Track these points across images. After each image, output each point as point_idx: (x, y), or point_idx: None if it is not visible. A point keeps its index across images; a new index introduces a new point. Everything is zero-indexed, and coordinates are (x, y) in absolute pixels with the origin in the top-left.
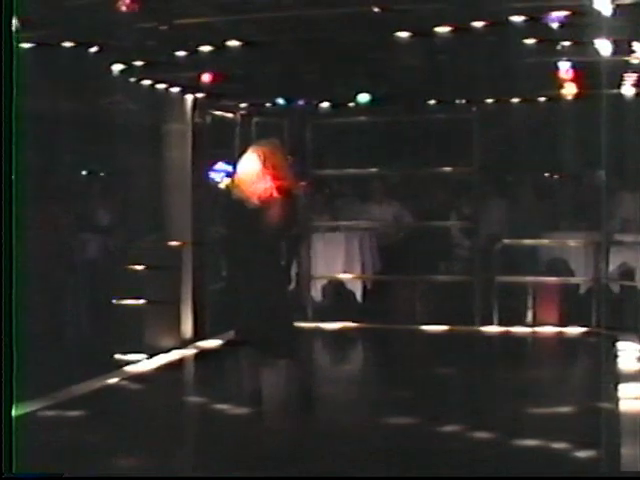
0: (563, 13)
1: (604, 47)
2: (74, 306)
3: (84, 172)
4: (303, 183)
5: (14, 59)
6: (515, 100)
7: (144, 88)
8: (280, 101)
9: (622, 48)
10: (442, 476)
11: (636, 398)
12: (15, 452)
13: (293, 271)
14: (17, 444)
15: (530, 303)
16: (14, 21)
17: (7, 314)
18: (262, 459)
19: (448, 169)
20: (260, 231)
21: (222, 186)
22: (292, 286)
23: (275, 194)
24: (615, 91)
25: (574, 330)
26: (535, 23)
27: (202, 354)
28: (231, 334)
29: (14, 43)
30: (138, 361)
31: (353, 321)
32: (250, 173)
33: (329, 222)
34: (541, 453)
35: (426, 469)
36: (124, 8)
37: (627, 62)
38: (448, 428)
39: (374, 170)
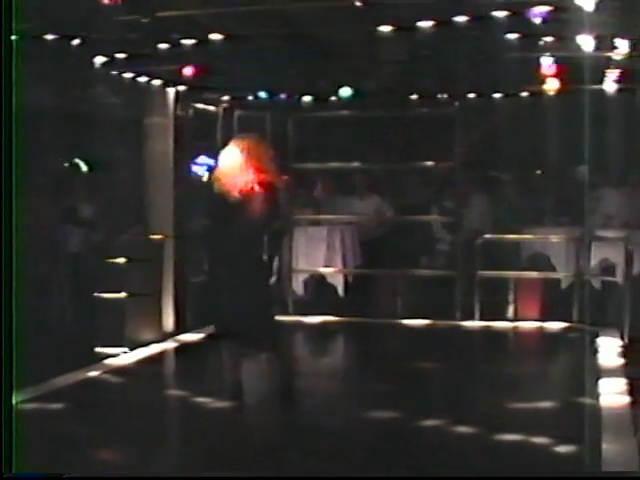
0: (546, 8)
1: (586, 43)
2: (56, 299)
3: (66, 164)
4: (285, 177)
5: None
6: (497, 95)
7: (126, 81)
8: (262, 94)
9: (604, 44)
10: (439, 476)
11: (617, 393)
12: (15, 452)
13: (275, 265)
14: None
15: (511, 298)
16: None
17: (7, 317)
18: (242, 452)
19: (430, 164)
20: (242, 225)
21: (204, 179)
22: (273, 280)
23: (257, 188)
24: (597, 87)
25: (555, 325)
26: (518, 18)
27: (183, 347)
28: (212, 328)
29: (13, 39)
30: (119, 354)
31: (334, 315)
32: (231, 166)
33: (311, 216)
34: (522, 448)
35: (407, 463)
36: (106, 0)
37: (609, 58)
38: (429, 422)
39: (356, 164)
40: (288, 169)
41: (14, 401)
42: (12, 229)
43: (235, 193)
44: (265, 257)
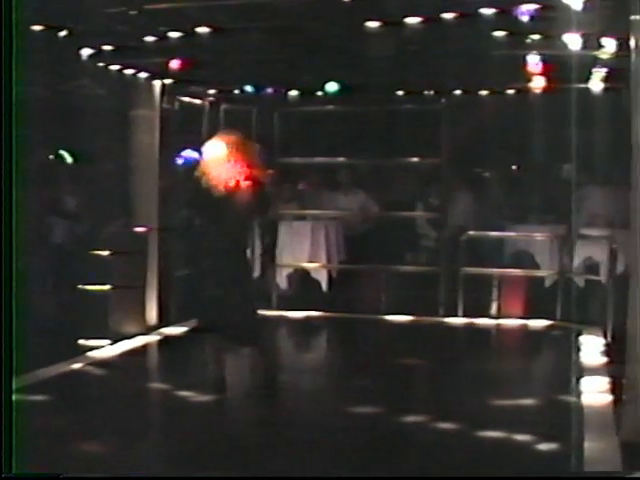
0: (533, 6)
1: (573, 41)
2: (39, 291)
3: (51, 156)
4: (270, 171)
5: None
6: (484, 92)
7: (112, 73)
8: (249, 89)
9: (591, 43)
10: (433, 476)
11: (599, 392)
12: (15, 452)
13: (258, 259)
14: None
15: (495, 295)
16: None
17: (7, 318)
18: (223, 446)
19: (416, 160)
20: (226, 218)
21: (189, 172)
22: (257, 274)
23: (242, 182)
24: (583, 86)
25: (538, 323)
26: (505, 16)
27: (166, 341)
28: (195, 321)
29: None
30: (102, 347)
31: (318, 310)
32: (217, 159)
33: (296, 211)
34: (504, 445)
35: (389, 459)
36: None
37: (596, 57)
38: (411, 418)
39: (342, 160)
40: (273, 163)
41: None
42: (12, 223)
43: (220, 187)
44: (249, 251)
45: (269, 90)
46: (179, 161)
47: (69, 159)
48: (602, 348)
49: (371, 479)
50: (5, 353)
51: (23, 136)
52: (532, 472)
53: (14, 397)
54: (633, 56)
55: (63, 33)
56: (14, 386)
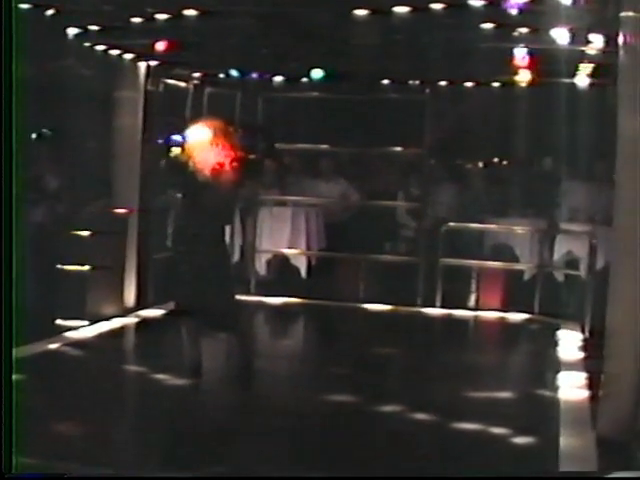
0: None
1: (561, 36)
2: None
3: (33, 135)
4: (253, 156)
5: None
6: (469, 84)
7: (98, 53)
8: (234, 73)
9: (579, 38)
10: (433, 476)
11: (576, 387)
12: (15, 452)
13: (238, 244)
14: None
15: (473, 287)
16: None
17: (7, 314)
18: (199, 429)
19: (398, 149)
20: (207, 203)
21: (172, 155)
22: (237, 259)
23: (225, 166)
24: (569, 80)
25: (516, 316)
26: (494, 8)
27: (143, 323)
28: (173, 304)
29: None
30: (79, 327)
31: (296, 296)
32: (201, 142)
33: (277, 196)
34: (479, 437)
35: (363, 447)
36: None
37: (583, 52)
38: (387, 408)
39: (324, 147)
40: (257, 148)
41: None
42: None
43: (205, 170)
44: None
45: (254, 75)
46: (162, 143)
47: (51, 138)
48: (580, 343)
49: (370, 479)
50: (5, 353)
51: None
52: (506, 465)
53: None
54: (622, 52)
55: (50, 12)
56: None
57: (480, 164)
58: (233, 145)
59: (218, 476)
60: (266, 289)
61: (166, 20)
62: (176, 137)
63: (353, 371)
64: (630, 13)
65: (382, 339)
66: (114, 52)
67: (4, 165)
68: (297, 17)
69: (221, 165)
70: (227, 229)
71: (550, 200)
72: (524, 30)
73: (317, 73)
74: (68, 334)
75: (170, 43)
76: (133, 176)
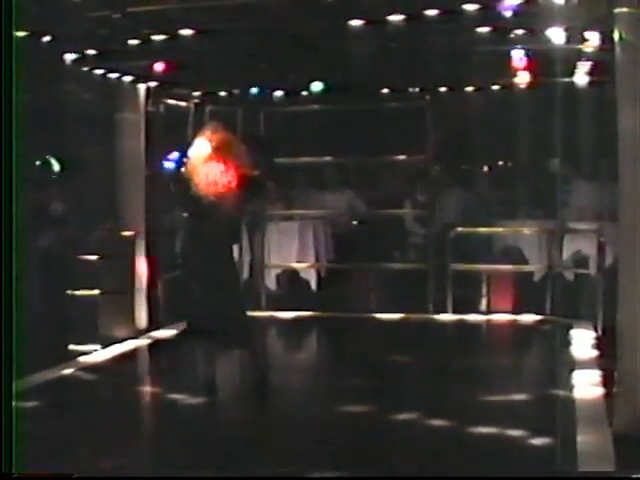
0: (516, 1)
1: (557, 35)
2: (27, 297)
3: (38, 162)
4: (256, 172)
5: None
6: (469, 89)
7: (96, 77)
8: (234, 90)
9: (575, 36)
10: (432, 476)
11: (591, 385)
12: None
13: (247, 260)
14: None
15: (484, 291)
16: None
17: (7, 318)
18: (216, 449)
19: (402, 157)
20: (213, 220)
21: (176, 174)
22: (246, 275)
23: (229, 182)
24: (568, 80)
25: (528, 318)
26: (488, 11)
27: (156, 344)
28: (184, 324)
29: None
30: (92, 351)
31: (307, 310)
32: (202, 160)
33: (283, 211)
34: (497, 441)
35: (382, 457)
36: None
37: (580, 50)
38: (403, 416)
39: (328, 159)
40: (259, 164)
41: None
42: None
43: (207, 188)
44: (236, 252)
45: (254, 91)
46: (166, 163)
47: (56, 166)
48: (593, 341)
49: (371, 479)
50: (5, 353)
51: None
52: (525, 467)
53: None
54: (617, 49)
55: (46, 39)
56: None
57: (485, 168)
58: (236, 159)
59: (218, 476)
60: (277, 304)
61: (163, 41)
62: (179, 156)
63: (369, 381)
64: (624, 9)
65: (396, 348)
66: (113, 75)
67: (4, 189)
68: (293, 31)
69: (224, 182)
70: (235, 245)
71: (556, 200)
72: (520, 32)
73: (317, 86)
74: (82, 359)
75: (168, 64)
76: (138, 198)
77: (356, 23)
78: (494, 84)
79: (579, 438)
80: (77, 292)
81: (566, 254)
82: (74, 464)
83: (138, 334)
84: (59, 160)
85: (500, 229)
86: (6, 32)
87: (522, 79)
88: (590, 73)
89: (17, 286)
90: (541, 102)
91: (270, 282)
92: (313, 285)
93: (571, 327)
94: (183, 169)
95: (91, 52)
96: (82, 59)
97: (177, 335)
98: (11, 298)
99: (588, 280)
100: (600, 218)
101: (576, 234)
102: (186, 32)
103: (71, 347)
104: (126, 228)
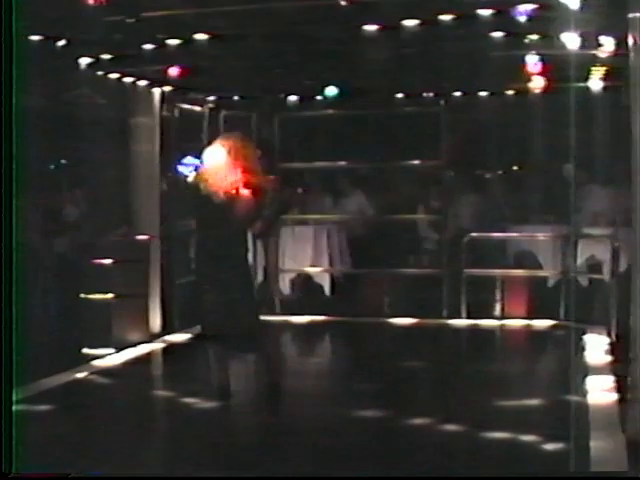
0: (531, 6)
1: (572, 41)
2: (42, 301)
3: (52, 166)
4: (272, 177)
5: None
6: (483, 94)
7: (111, 82)
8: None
9: (590, 41)
10: (431, 475)
11: (604, 390)
12: (15, 451)
13: (261, 264)
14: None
15: (498, 296)
16: None
17: (7, 318)
18: (229, 453)
19: (416, 162)
20: (228, 225)
21: (190, 180)
22: (260, 280)
23: (243, 188)
24: (583, 84)
25: (542, 323)
26: (503, 16)
27: (170, 348)
28: (199, 328)
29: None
30: (106, 355)
31: (321, 314)
32: (217, 166)
33: (297, 215)
34: (510, 446)
35: (396, 462)
36: (91, 1)
37: (595, 55)
38: (417, 421)
39: (342, 164)
40: (274, 169)
41: (14, 403)
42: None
43: (221, 193)
44: (250, 256)
45: (269, 95)
46: (180, 168)
47: (70, 168)
48: (606, 347)
49: (371, 479)
50: (5, 354)
51: (23, 146)
52: (539, 472)
53: (19, 407)
54: (632, 54)
55: (61, 43)
56: (19, 396)
57: (499, 172)
58: (251, 163)
59: (218, 476)
60: (291, 308)
61: (178, 45)
62: (194, 160)
63: (384, 386)
64: (638, 14)
65: (410, 353)
66: (127, 80)
67: (4, 191)
68: (308, 36)
69: (238, 187)
70: (249, 250)
71: (570, 205)
72: (534, 37)
73: (331, 90)
74: (96, 362)
75: (183, 68)
76: (153, 202)
77: (371, 28)
78: (508, 89)
79: (592, 443)
80: (91, 296)
81: (580, 259)
82: (87, 466)
83: (152, 338)
84: (73, 163)
85: (514, 234)
86: (6, 33)
87: (536, 84)
88: (604, 78)
89: (17, 289)
90: (555, 107)
91: (284, 286)
92: (327, 290)
93: (585, 332)
94: (197, 173)
95: (106, 56)
96: (97, 63)
97: (191, 339)
98: (11, 298)
99: (602, 285)
100: (614, 223)
101: (590, 239)
102: (201, 37)
103: (85, 351)
104: (141, 232)
